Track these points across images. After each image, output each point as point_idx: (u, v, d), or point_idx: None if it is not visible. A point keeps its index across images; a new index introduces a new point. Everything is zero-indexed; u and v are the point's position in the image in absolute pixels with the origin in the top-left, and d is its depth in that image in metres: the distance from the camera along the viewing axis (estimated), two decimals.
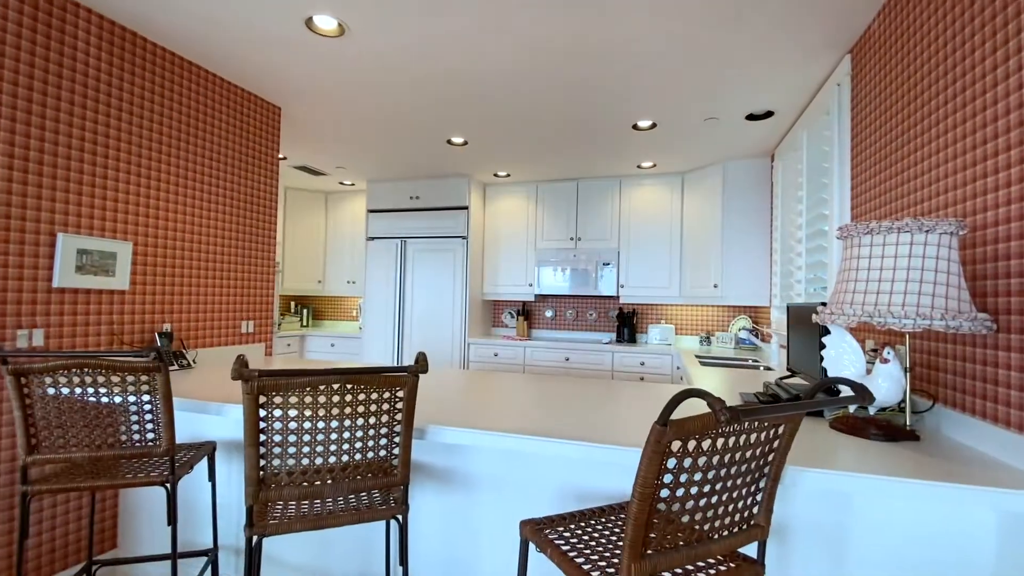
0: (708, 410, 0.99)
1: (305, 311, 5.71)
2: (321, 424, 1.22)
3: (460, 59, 2.44)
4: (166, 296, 2.40)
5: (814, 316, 1.52)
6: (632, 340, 4.63)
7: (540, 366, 4.31)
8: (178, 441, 2.05)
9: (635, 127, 3.29)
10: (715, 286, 4.04)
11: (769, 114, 3.02)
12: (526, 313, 4.97)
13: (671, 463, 0.89)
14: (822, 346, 1.59)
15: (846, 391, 1.59)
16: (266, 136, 2.97)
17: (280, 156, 4.02)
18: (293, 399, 1.18)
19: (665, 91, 2.74)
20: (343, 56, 2.44)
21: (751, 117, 3.09)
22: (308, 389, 1.17)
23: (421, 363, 1.21)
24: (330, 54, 2.42)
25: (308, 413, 1.19)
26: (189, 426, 2.05)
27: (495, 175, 4.40)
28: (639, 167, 4.23)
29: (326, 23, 2.15)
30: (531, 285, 4.65)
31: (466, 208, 4.45)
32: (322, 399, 1.19)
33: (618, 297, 4.79)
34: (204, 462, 2.01)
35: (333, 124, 3.37)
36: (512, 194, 4.79)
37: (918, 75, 1.68)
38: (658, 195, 4.50)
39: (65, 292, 2.00)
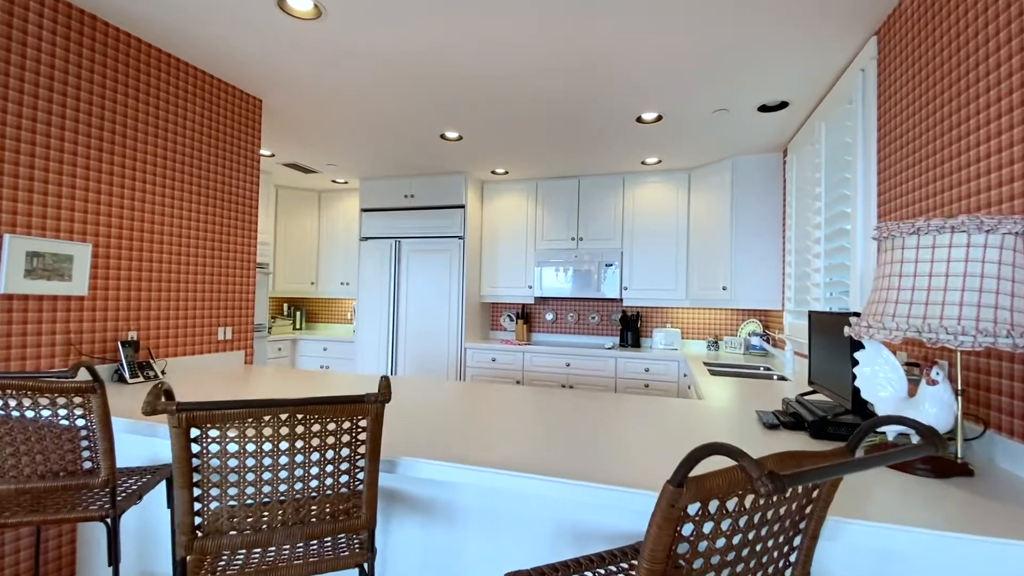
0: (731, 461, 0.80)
1: (298, 314, 5.53)
2: (269, 461, 1.03)
3: (451, 47, 2.25)
4: (131, 302, 2.22)
5: (847, 329, 1.32)
6: (636, 345, 4.43)
7: (540, 372, 4.12)
8: (135, 464, 1.87)
9: (639, 120, 3.09)
10: (724, 288, 3.84)
11: (783, 105, 2.82)
12: (525, 316, 4.77)
13: (687, 529, 0.71)
14: (854, 362, 1.39)
15: (895, 429, 1.39)
16: (246, 129, 2.79)
17: (267, 153, 3.84)
18: (234, 432, 0.99)
19: (672, 81, 2.54)
20: (323, 42, 2.25)
21: (764, 108, 2.89)
22: (251, 421, 0.98)
23: (383, 390, 1.02)
24: (309, 40, 2.24)
25: (253, 448, 1.01)
26: (150, 447, 1.86)
27: (492, 172, 4.21)
28: (643, 163, 4.03)
29: (300, 3, 1.96)
30: (531, 287, 4.45)
31: (462, 207, 4.25)
32: (268, 431, 1.00)
33: (621, 300, 4.60)
34: (163, 485, 1.83)
35: (319, 117, 3.18)
36: (511, 192, 4.60)
37: (962, 53, 1.48)
38: (663, 193, 4.30)
39: (13, 299, 1.82)
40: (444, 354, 4.26)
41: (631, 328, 4.43)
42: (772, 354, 3.93)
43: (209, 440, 0.98)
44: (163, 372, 2.29)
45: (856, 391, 1.39)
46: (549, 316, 4.78)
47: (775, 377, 3.03)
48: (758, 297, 3.75)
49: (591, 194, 4.43)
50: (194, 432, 0.98)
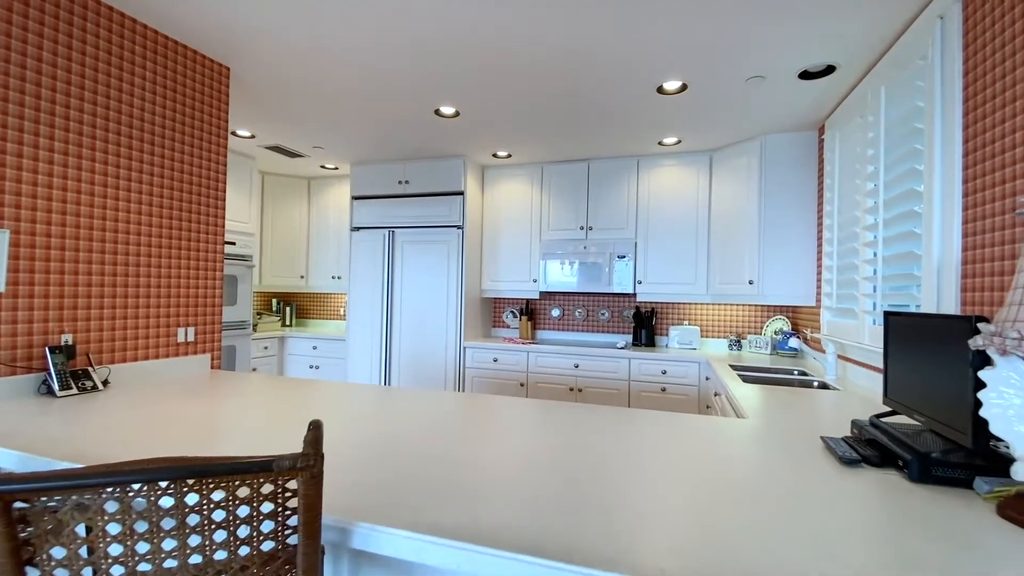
0: None
1: (288, 309, 5.19)
2: (146, 547, 0.68)
3: (443, 10, 1.88)
4: (66, 299, 1.88)
5: (976, 340, 0.96)
6: (651, 343, 4.07)
7: (546, 374, 3.76)
8: None
9: (660, 90, 2.71)
10: (750, 282, 3.47)
11: (829, 70, 2.43)
12: (530, 312, 4.41)
13: None
14: (978, 383, 1.02)
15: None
16: (211, 102, 2.43)
17: (247, 134, 3.48)
18: (81, 527, 0.64)
19: (701, 42, 2.16)
20: (297, 3, 1.89)
21: (805, 75, 2.50)
22: (104, 497, 0.63)
23: (309, 450, 0.67)
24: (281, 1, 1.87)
25: (118, 531, 0.66)
26: None
27: (494, 156, 3.83)
28: (661, 144, 3.65)
29: None
30: (535, 280, 4.07)
31: (461, 193, 3.88)
32: (143, 507, 0.65)
33: (634, 294, 4.23)
34: None
35: (300, 92, 2.82)
36: (513, 177, 4.21)
37: None
38: (682, 177, 3.91)
39: None
40: (442, 353, 3.90)
41: (645, 326, 4.07)
42: (805, 355, 3.56)
43: (48, 540, 0.63)
44: (105, 382, 1.95)
45: (980, 422, 1.03)
46: (555, 312, 4.41)
47: (815, 384, 2.67)
48: (789, 293, 3.37)
49: (602, 180, 4.05)
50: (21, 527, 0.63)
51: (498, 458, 1.19)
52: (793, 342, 2.97)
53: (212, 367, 2.47)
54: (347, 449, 1.22)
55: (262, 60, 2.45)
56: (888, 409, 1.61)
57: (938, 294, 1.73)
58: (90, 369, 1.88)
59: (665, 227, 3.95)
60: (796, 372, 3.02)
